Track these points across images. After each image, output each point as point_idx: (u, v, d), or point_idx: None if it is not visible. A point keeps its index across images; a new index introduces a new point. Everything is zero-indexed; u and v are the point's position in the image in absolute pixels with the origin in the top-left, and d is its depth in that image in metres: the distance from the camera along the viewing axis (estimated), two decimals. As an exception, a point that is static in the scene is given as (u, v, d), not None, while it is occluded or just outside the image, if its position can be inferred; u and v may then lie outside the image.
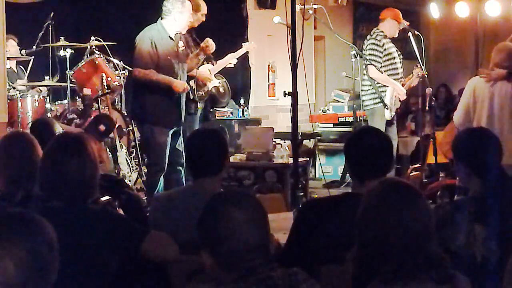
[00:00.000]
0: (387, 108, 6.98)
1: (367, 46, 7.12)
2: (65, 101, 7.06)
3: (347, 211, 2.38)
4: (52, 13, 7.32)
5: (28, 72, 7.43)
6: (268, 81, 9.26)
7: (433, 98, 7.36)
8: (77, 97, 7.11)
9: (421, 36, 7.15)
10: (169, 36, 5.88)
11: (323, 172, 8.18)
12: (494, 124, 5.15)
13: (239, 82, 9.03)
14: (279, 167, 6.43)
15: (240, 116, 8.43)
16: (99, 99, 6.61)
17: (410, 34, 7.16)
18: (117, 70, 7.03)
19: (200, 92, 6.62)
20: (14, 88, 6.73)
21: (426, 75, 7.23)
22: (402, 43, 7.58)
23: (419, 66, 7.17)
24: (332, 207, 2.84)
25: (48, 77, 7.16)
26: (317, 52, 10.64)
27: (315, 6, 6.95)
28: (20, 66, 7.60)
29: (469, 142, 3.03)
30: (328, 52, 10.96)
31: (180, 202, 3.13)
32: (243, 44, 7.47)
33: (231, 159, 6.24)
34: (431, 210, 2.06)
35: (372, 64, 6.95)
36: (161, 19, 5.88)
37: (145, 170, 6.82)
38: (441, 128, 7.50)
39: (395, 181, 2.23)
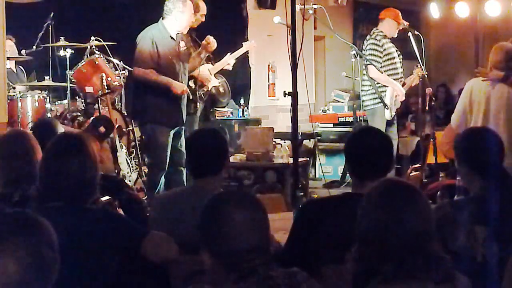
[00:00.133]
0: (387, 108, 6.98)
1: (366, 46, 7.12)
2: (65, 101, 7.06)
3: (347, 211, 2.38)
4: (52, 13, 7.31)
5: (28, 79, 7.42)
6: (268, 81, 9.27)
7: (433, 98, 7.36)
8: (77, 97, 7.11)
9: (421, 36, 7.15)
10: (170, 36, 5.89)
11: (323, 172, 8.19)
12: (489, 126, 5.14)
13: (239, 82, 9.02)
14: (279, 167, 6.43)
15: (240, 116, 8.43)
16: (99, 99, 6.61)
17: (410, 34, 7.16)
18: (117, 70, 7.03)
19: (199, 92, 6.62)
20: (14, 88, 6.73)
21: (426, 75, 7.23)
22: (402, 43, 7.58)
23: (419, 66, 7.17)
24: (332, 207, 2.84)
25: (48, 77, 7.15)
26: (317, 52, 10.64)
27: (315, 6, 6.94)
28: (20, 66, 7.60)
29: (471, 142, 3.03)
30: (328, 52, 10.96)
31: (180, 202, 3.12)
32: (243, 43, 7.47)
33: (231, 159, 6.24)
34: (431, 209, 2.06)
35: (372, 64, 6.95)
36: (163, 19, 5.90)
37: (145, 170, 6.82)
38: (441, 128, 7.50)
39: (395, 180, 2.23)
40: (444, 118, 10.59)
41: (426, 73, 7.26)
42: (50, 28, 7.30)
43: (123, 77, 7.04)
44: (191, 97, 6.51)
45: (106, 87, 6.57)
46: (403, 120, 9.58)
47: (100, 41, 6.95)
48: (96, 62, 6.80)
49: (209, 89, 6.96)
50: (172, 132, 5.92)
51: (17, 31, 7.21)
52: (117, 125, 6.59)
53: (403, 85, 7.15)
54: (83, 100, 6.92)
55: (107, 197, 3.43)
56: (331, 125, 8.97)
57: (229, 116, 8.34)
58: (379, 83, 7.03)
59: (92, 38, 6.96)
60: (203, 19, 6.56)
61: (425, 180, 6.87)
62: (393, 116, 7.08)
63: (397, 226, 1.97)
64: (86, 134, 4.45)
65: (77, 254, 2.47)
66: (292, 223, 2.99)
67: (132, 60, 5.98)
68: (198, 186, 3.17)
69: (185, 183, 5.91)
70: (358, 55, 6.97)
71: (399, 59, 7.17)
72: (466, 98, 5.37)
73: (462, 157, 3.01)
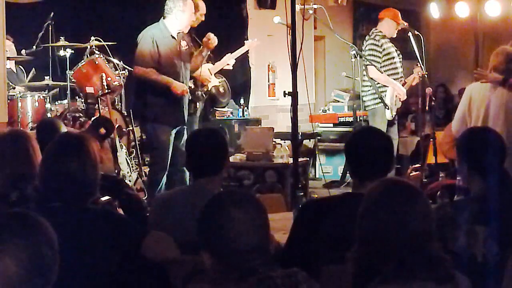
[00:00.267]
0: (388, 108, 6.97)
1: (366, 46, 7.12)
2: (65, 101, 7.06)
3: (347, 211, 2.38)
4: (52, 13, 7.31)
5: (28, 79, 7.42)
6: (268, 81, 9.26)
7: (433, 98, 7.36)
8: (77, 97, 7.11)
9: (421, 36, 7.14)
10: (171, 35, 5.89)
11: (323, 172, 8.18)
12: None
13: (239, 82, 9.02)
14: (279, 167, 6.43)
15: (240, 116, 8.43)
16: (99, 99, 6.61)
17: (410, 34, 7.16)
18: (117, 70, 7.03)
19: (198, 92, 6.62)
20: (14, 88, 6.73)
21: (426, 75, 7.23)
22: (402, 43, 7.58)
23: (419, 66, 7.17)
24: (332, 207, 2.84)
25: (48, 77, 7.15)
26: (317, 52, 10.63)
27: (315, 6, 6.94)
28: (20, 66, 7.60)
29: (471, 142, 3.03)
30: (328, 52, 10.95)
31: (180, 202, 3.13)
32: (245, 42, 7.47)
33: (231, 159, 6.24)
34: (431, 209, 2.06)
35: (371, 65, 6.95)
36: (164, 18, 5.91)
37: (145, 170, 6.82)
38: (441, 128, 7.50)
39: (395, 180, 2.23)
40: (443, 118, 10.59)
41: (426, 73, 7.25)
42: (50, 28, 7.30)
43: (123, 77, 7.04)
44: (190, 97, 6.51)
45: (106, 87, 6.57)
46: (403, 120, 9.58)
47: (100, 41, 6.94)
48: (96, 62, 6.80)
49: (209, 89, 6.96)
50: (173, 131, 5.92)
51: (17, 31, 7.21)
52: (117, 125, 6.59)
53: (403, 85, 7.15)
54: (83, 100, 6.92)
55: (107, 197, 3.43)
56: (331, 125, 8.97)
57: (229, 116, 8.34)
58: (379, 83, 7.03)
59: (92, 38, 6.96)
60: (203, 18, 6.57)
61: (425, 180, 6.88)
62: (394, 116, 7.08)
63: (397, 226, 1.97)
64: (87, 135, 4.45)
65: (77, 254, 2.47)
66: (292, 223, 2.99)
67: (132, 60, 5.99)
68: (198, 186, 3.17)
69: (187, 183, 5.91)
70: (358, 55, 6.97)
71: (399, 59, 7.17)
72: (465, 103, 5.37)
73: (462, 157, 3.01)
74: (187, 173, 5.95)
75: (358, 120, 7.33)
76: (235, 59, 7.41)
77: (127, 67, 7.04)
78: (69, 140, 2.82)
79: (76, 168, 2.64)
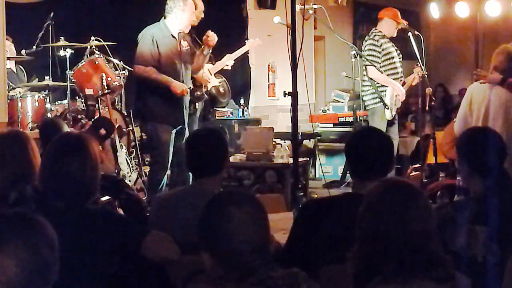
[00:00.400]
0: (388, 108, 6.97)
1: (365, 47, 7.11)
2: (65, 101, 7.06)
3: (347, 211, 2.39)
4: (52, 13, 7.31)
5: (30, 81, 7.42)
6: (268, 81, 9.26)
7: (433, 98, 7.36)
8: (77, 97, 7.11)
9: (421, 36, 7.14)
10: (172, 35, 5.89)
11: (323, 172, 8.18)
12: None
13: (239, 82, 9.02)
14: (279, 167, 6.43)
15: (240, 116, 8.43)
16: (99, 99, 6.61)
17: (410, 34, 7.15)
18: (117, 70, 7.03)
19: (198, 92, 6.62)
20: (14, 88, 6.73)
21: (426, 75, 7.23)
22: (402, 43, 7.57)
23: (419, 65, 7.17)
24: (332, 207, 2.84)
25: (48, 77, 7.15)
26: (317, 52, 10.63)
27: (315, 6, 6.94)
28: (20, 66, 7.60)
29: (471, 142, 3.03)
30: (328, 52, 10.95)
31: (180, 202, 3.12)
32: (246, 41, 7.46)
33: (231, 159, 6.24)
34: (432, 209, 2.06)
35: (371, 65, 6.95)
36: (164, 18, 5.91)
37: (145, 170, 6.82)
38: (441, 128, 7.50)
39: (396, 180, 2.23)
40: (443, 118, 10.60)
41: (426, 73, 7.25)
42: (50, 28, 7.29)
43: (123, 77, 7.04)
44: (189, 98, 6.51)
45: (106, 87, 6.57)
46: (403, 120, 9.58)
47: (100, 41, 6.95)
48: (96, 62, 6.80)
49: (209, 89, 6.96)
50: (174, 131, 5.93)
51: (17, 31, 7.21)
52: (117, 125, 6.59)
53: (403, 85, 7.14)
54: (83, 100, 6.92)
55: (107, 197, 3.43)
56: (331, 125, 8.96)
57: (229, 116, 8.33)
58: (379, 83, 7.02)
59: (92, 38, 6.96)
60: (202, 15, 6.55)
61: (425, 180, 6.88)
62: (393, 116, 7.08)
63: (397, 226, 1.98)
64: (87, 135, 4.45)
65: (77, 254, 2.47)
66: (292, 223, 2.99)
67: (132, 60, 6.00)
68: (198, 186, 3.17)
69: (190, 183, 5.91)
70: (358, 55, 6.97)
71: (399, 58, 7.16)
72: (466, 103, 5.39)
73: (462, 157, 3.01)
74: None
75: (358, 120, 7.33)
76: (235, 59, 7.41)
77: (127, 67, 7.04)
78: (69, 140, 2.82)
79: (76, 168, 2.64)
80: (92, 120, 6.31)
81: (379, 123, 6.89)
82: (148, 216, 3.42)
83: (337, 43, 9.45)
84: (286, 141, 6.82)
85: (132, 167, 6.67)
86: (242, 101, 8.60)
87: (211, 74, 7.06)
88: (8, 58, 6.76)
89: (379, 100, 6.99)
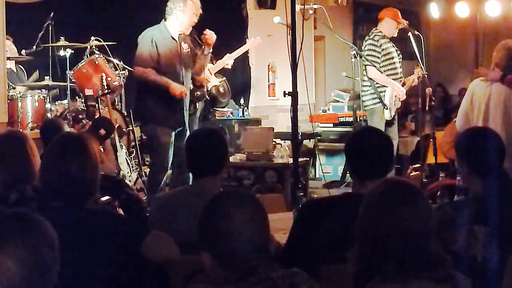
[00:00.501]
0: (387, 108, 6.97)
1: (365, 47, 7.11)
2: (65, 101, 7.06)
3: (347, 211, 2.39)
4: (52, 13, 7.31)
5: (31, 80, 7.43)
6: (268, 81, 9.26)
7: (433, 98, 7.36)
8: (77, 97, 7.11)
9: (421, 36, 7.14)
10: (172, 36, 5.89)
11: (323, 172, 8.18)
12: (488, 127, 5.15)
13: (239, 82, 9.03)
14: (279, 167, 6.43)
15: (240, 116, 8.43)
16: (99, 99, 6.61)
17: (410, 34, 7.15)
18: (117, 70, 7.03)
19: (198, 93, 6.62)
20: (14, 88, 6.73)
21: (426, 75, 7.23)
22: (402, 43, 7.57)
23: (419, 66, 7.16)
24: (332, 207, 2.84)
25: (48, 77, 7.16)
26: (317, 52, 10.63)
27: (315, 6, 6.94)
28: (20, 66, 7.60)
29: (471, 142, 3.03)
30: (328, 52, 10.95)
31: (180, 202, 3.12)
32: (247, 40, 7.45)
33: (231, 159, 6.24)
34: (432, 209, 2.06)
35: (371, 65, 6.94)
36: (165, 20, 5.91)
37: (145, 170, 6.82)
38: (440, 128, 7.50)
39: (396, 180, 2.23)
40: (442, 118, 10.60)
41: (426, 73, 7.25)
42: (50, 28, 7.30)
43: (123, 77, 7.04)
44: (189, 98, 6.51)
45: (106, 87, 6.57)
46: (403, 120, 9.58)
47: (100, 41, 6.95)
48: (96, 62, 6.80)
49: (209, 89, 6.95)
50: (173, 133, 5.93)
51: (17, 31, 7.21)
52: (117, 125, 6.60)
53: (403, 85, 7.14)
54: (83, 100, 6.92)
55: (107, 197, 3.43)
56: (331, 125, 8.97)
57: (229, 116, 8.34)
58: (378, 83, 7.02)
59: (92, 38, 6.96)
60: (200, 11, 6.52)
61: (425, 180, 6.88)
62: (393, 116, 7.08)
63: (397, 226, 1.98)
64: (87, 134, 4.45)
65: (77, 254, 2.47)
66: (292, 223, 2.99)
67: (132, 60, 6.00)
68: (198, 186, 3.17)
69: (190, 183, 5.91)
70: (358, 55, 6.97)
71: (399, 59, 7.16)
72: (468, 100, 5.40)
73: (462, 157, 3.01)
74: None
75: (358, 120, 7.33)
76: (236, 59, 7.41)
77: (127, 67, 7.04)
78: (69, 140, 2.82)
79: (76, 168, 2.64)
80: (92, 120, 6.31)
81: (378, 123, 6.89)
82: (148, 216, 3.42)
83: (337, 43, 9.45)
84: (286, 141, 6.82)
85: (132, 167, 6.67)
86: (242, 101, 8.60)
87: (211, 74, 7.06)
88: (8, 58, 6.76)
89: (379, 100, 6.98)
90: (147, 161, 7.25)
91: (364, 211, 2.07)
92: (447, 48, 12.39)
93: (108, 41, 7.00)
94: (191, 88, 6.40)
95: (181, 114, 5.94)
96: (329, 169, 8.79)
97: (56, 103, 7.12)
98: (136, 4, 7.95)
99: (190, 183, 5.83)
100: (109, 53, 7.01)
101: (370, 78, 6.99)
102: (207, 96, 6.81)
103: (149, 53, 5.77)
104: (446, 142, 6.77)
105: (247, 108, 8.80)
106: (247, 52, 7.82)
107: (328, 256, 2.61)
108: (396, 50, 7.14)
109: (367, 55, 6.99)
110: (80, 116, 6.71)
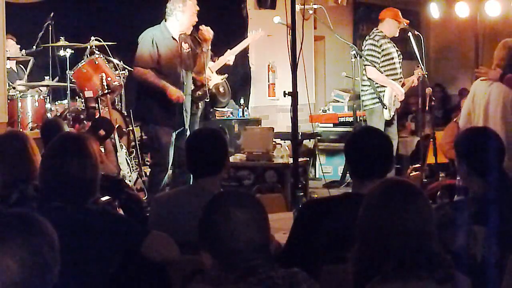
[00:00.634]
0: (386, 108, 6.97)
1: (365, 47, 7.10)
2: (65, 101, 7.07)
3: (347, 211, 2.39)
4: (52, 13, 7.32)
5: (27, 72, 7.44)
6: (268, 81, 9.26)
7: (433, 98, 7.36)
8: (77, 97, 7.12)
9: (421, 36, 7.14)
10: (172, 37, 5.89)
11: (323, 172, 8.18)
12: (488, 126, 5.15)
13: (239, 82, 9.02)
14: (279, 167, 6.43)
15: (240, 116, 8.43)
16: (99, 99, 6.62)
17: (410, 34, 7.15)
18: (117, 70, 7.04)
19: (199, 92, 6.62)
20: (14, 88, 6.73)
21: (426, 75, 7.23)
22: (402, 43, 7.57)
23: (419, 67, 7.16)
24: (332, 207, 2.84)
25: (48, 77, 7.16)
26: (317, 52, 10.63)
27: (315, 6, 6.94)
28: (20, 66, 7.61)
29: (471, 142, 3.03)
30: (328, 52, 10.95)
31: (180, 202, 3.12)
32: (248, 33, 7.43)
33: (231, 159, 6.24)
34: (432, 209, 2.06)
35: (370, 65, 6.94)
36: (165, 20, 5.91)
37: (145, 170, 6.82)
38: (440, 128, 7.50)
39: (396, 180, 2.23)
40: (442, 118, 10.60)
41: (426, 73, 7.25)
42: (50, 28, 7.30)
43: (123, 77, 7.04)
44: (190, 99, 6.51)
45: (106, 87, 6.57)
46: (403, 120, 9.59)
47: (100, 41, 6.95)
48: (96, 62, 6.80)
49: (210, 88, 6.94)
50: (174, 133, 5.92)
51: (17, 31, 7.22)
52: (117, 125, 6.60)
53: (402, 85, 7.14)
54: (83, 100, 6.92)
55: (107, 197, 3.43)
56: (331, 125, 8.97)
57: (229, 116, 8.34)
58: (378, 83, 7.02)
59: (92, 38, 6.97)
60: (197, 7, 6.51)
61: (425, 180, 6.88)
62: (392, 116, 7.08)
63: (397, 226, 1.98)
64: (87, 134, 4.46)
65: (78, 254, 2.47)
66: (292, 223, 2.99)
67: (132, 60, 5.99)
68: (198, 186, 3.17)
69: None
70: (358, 55, 6.97)
71: (399, 59, 7.16)
72: (470, 100, 5.42)
73: (462, 157, 3.01)
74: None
75: (358, 120, 7.33)
76: (236, 59, 7.41)
77: (127, 67, 7.04)
78: (69, 140, 2.82)
79: (76, 168, 2.64)
80: (92, 121, 6.31)
81: (377, 123, 6.88)
82: (148, 216, 3.42)
83: (337, 43, 9.45)
84: (286, 141, 6.82)
85: (132, 167, 6.68)
86: (242, 101, 8.60)
87: (212, 72, 7.05)
88: (9, 58, 6.77)
89: (378, 100, 6.98)
90: (147, 161, 7.25)
91: (364, 211, 2.07)
92: (447, 48, 12.39)
93: (108, 41, 7.00)
94: (192, 88, 6.40)
95: (181, 115, 5.94)
96: (329, 169, 8.79)
97: (56, 103, 7.13)
98: (136, 4, 7.96)
99: (191, 183, 5.85)
100: (109, 53, 7.01)
101: (370, 78, 6.99)
102: (207, 95, 6.80)
103: (149, 54, 5.76)
104: (446, 142, 6.77)
105: (247, 108, 8.80)
106: (247, 52, 7.82)
107: (328, 256, 2.61)
108: (397, 50, 7.14)
109: (367, 55, 6.99)
110: (82, 117, 6.71)
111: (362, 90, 7.16)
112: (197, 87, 6.57)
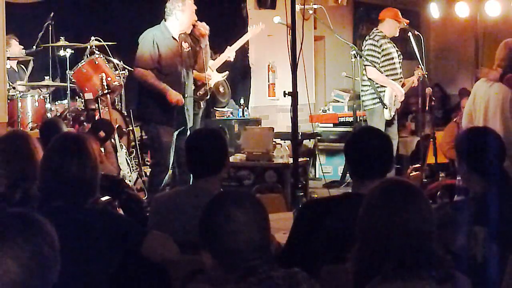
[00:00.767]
0: (386, 108, 6.97)
1: (365, 47, 7.10)
2: (65, 101, 7.07)
3: (347, 211, 2.39)
4: (52, 13, 7.32)
5: (28, 73, 7.44)
6: (268, 81, 9.26)
7: (433, 98, 7.36)
8: (77, 97, 7.12)
9: (421, 36, 7.14)
10: (172, 37, 5.88)
11: (323, 172, 8.18)
12: (488, 126, 5.16)
13: (239, 82, 9.02)
14: (279, 167, 6.43)
15: (240, 116, 8.43)
16: (99, 99, 6.62)
17: (410, 34, 7.15)
18: (117, 70, 7.04)
19: (200, 92, 6.62)
20: (14, 88, 6.74)
21: (426, 75, 7.23)
22: (402, 43, 7.57)
23: (419, 67, 7.16)
24: (332, 207, 2.84)
25: (48, 77, 7.16)
26: (317, 52, 10.63)
27: (315, 6, 6.94)
28: (21, 65, 7.61)
29: (471, 142, 3.03)
30: (328, 52, 10.95)
31: (180, 202, 3.12)
32: (248, 28, 7.42)
33: (231, 159, 6.24)
34: (431, 209, 2.06)
35: (370, 65, 6.94)
36: (165, 20, 5.90)
37: (145, 170, 6.82)
38: (440, 128, 7.51)
39: (396, 180, 2.23)
40: (442, 118, 10.60)
41: (426, 73, 7.25)
42: (50, 28, 7.31)
43: (123, 77, 7.04)
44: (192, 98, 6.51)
45: (106, 87, 6.57)
46: (403, 120, 9.58)
47: (100, 41, 6.95)
48: (96, 62, 6.81)
49: (211, 87, 6.94)
50: (175, 133, 5.92)
51: (17, 31, 7.22)
52: (117, 125, 6.60)
53: (402, 86, 7.14)
54: (83, 100, 6.92)
55: (107, 197, 3.43)
56: (331, 125, 8.97)
57: (229, 116, 8.34)
58: (378, 83, 7.02)
59: (92, 38, 6.97)
60: (194, 6, 6.49)
61: (425, 180, 6.89)
62: (392, 116, 7.08)
63: (397, 226, 1.98)
64: (87, 134, 4.46)
65: (78, 254, 2.47)
66: (292, 223, 2.99)
67: (132, 60, 5.99)
68: (198, 186, 3.17)
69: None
70: (358, 55, 6.96)
71: (399, 59, 7.16)
72: (471, 100, 5.43)
73: (462, 157, 3.01)
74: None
75: (358, 120, 7.33)
76: (235, 59, 7.40)
77: (127, 67, 7.04)
78: (68, 140, 2.82)
79: (76, 168, 2.64)
80: (92, 122, 6.31)
81: (377, 123, 6.88)
82: (148, 216, 3.43)
83: (337, 43, 9.44)
84: (286, 141, 6.82)
85: (132, 167, 6.68)
86: (242, 101, 8.60)
87: (212, 70, 7.05)
88: (9, 58, 6.77)
89: (378, 100, 6.98)
90: (147, 161, 7.25)
91: (364, 211, 2.07)
92: (447, 48, 12.39)
93: (108, 41, 7.00)
94: (193, 88, 6.40)
95: (182, 115, 5.94)
96: (329, 169, 8.79)
97: (56, 103, 7.13)
98: (136, 4, 7.96)
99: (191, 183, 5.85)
100: (109, 53, 7.01)
101: (370, 78, 6.99)
102: (208, 94, 6.79)
103: (149, 54, 5.76)
104: (446, 142, 6.78)
105: (247, 108, 8.80)
106: (247, 52, 7.81)
107: (328, 256, 2.61)
108: (397, 50, 7.14)
109: (367, 55, 6.99)
110: (82, 118, 6.71)
111: (362, 90, 7.16)
112: (197, 87, 6.57)
